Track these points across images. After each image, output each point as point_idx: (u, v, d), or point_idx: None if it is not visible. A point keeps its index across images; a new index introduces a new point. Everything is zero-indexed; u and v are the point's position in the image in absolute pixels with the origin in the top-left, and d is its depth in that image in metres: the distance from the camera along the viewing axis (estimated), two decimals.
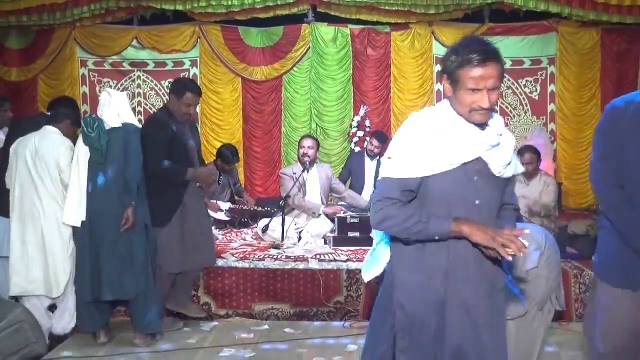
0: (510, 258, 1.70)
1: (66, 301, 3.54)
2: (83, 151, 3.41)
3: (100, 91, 7.32)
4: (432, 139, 1.79)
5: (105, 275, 3.32)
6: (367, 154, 5.95)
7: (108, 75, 7.33)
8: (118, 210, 3.34)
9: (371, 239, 4.45)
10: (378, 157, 5.96)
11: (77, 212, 3.37)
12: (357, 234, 4.51)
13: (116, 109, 3.48)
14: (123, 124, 3.45)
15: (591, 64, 7.11)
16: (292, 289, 3.96)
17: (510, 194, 1.97)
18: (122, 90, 7.10)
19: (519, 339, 2.70)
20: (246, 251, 4.36)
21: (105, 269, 3.32)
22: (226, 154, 5.53)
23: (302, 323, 3.87)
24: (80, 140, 3.45)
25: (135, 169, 3.40)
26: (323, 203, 5.03)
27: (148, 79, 7.28)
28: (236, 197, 5.70)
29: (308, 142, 5.04)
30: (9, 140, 3.71)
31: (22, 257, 3.44)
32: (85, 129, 3.39)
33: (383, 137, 6.07)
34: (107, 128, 3.41)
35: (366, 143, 6.28)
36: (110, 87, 7.31)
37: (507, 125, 7.24)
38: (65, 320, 3.56)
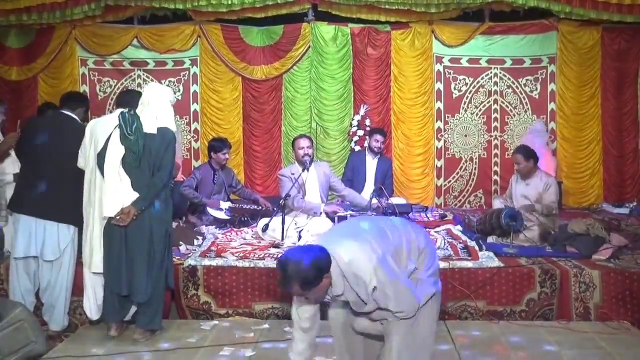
0: None
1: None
2: (118, 148, 3.31)
3: (100, 90, 7.33)
4: None
5: (126, 273, 3.34)
6: (372, 150, 5.97)
7: (108, 74, 7.33)
8: (146, 213, 3.34)
9: None
10: (379, 155, 5.99)
11: (113, 206, 3.30)
12: None
13: (155, 110, 3.39)
14: (158, 130, 3.35)
15: (591, 63, 7.11)
16: None
17: None
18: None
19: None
20: (246, 250, 4.35)
21: (127, 267, 3.34)
22: (216, 143, 5.47)
23: None
24: (115, 135, 3.33)
25: (164, 176, 3.36)
26: (323, 202, 5.02)
27: (148, 78, 7.28)
28: (242, 199, 5.71)
29: (306, 142, 5.02)
30: (32, 138, 3.72)
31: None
32: (124, 128, 3.29)
33: (384, 132, 6.18)
34: (144, 131, 3.31)
35: (366, 141, 6.30)
36: (110, 86, 7.32)
37: (506, 123, 7.25)
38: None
